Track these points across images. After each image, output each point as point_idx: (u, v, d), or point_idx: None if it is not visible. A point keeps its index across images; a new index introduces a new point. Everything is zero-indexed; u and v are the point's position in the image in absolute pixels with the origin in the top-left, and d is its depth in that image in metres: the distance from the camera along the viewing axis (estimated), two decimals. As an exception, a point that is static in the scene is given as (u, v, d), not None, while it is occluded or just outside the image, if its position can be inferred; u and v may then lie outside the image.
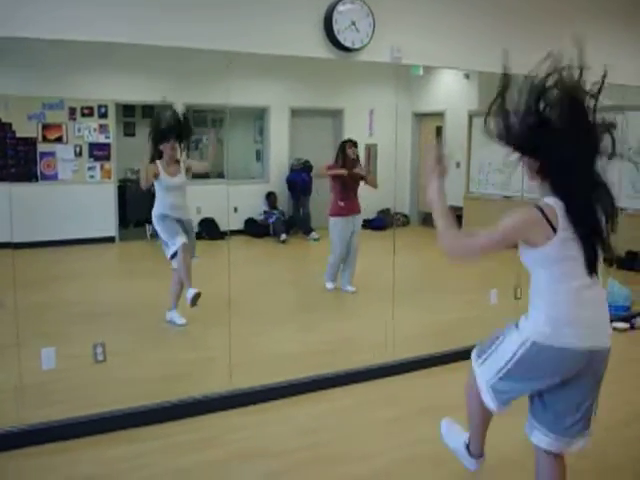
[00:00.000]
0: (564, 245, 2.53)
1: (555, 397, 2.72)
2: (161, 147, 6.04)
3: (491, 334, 2.90)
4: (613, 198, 2.62)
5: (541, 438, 2.79)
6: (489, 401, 2.83)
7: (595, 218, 2.59)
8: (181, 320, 6.11)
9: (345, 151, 7.50)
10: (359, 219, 7.68)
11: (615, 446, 4.05)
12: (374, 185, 7.59)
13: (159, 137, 6.06)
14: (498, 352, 2.78)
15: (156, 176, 6.00)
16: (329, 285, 7.70)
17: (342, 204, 7.50)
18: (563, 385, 2.67)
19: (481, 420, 3.13)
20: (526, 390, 2.78)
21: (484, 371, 2.85)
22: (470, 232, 2.62)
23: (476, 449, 3.25)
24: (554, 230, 2.51)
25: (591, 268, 2.60)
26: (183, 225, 6.14)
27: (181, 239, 6.00)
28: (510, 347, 2.71)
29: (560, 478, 2.89)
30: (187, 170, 6.18)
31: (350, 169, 7.47)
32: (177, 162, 6.14)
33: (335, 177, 7.46)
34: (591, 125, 2.57)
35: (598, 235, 2.61)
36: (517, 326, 2.75)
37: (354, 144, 7.62)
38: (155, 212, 6.13)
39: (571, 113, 2.53)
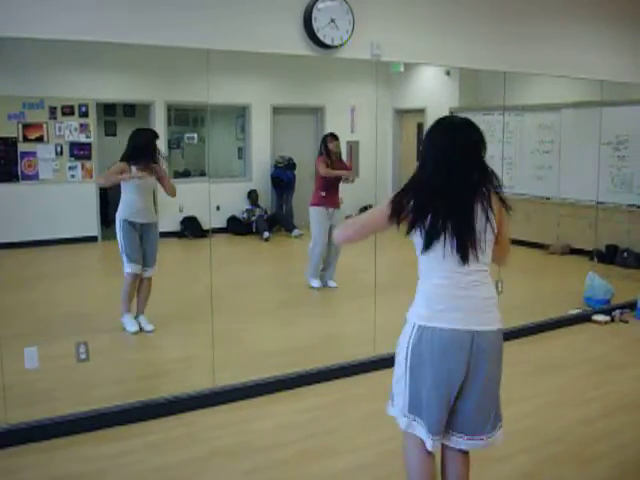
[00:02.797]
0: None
1: (463, 400, 2.68)
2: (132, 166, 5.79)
3: None
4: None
5: (458, 441, 2.76)
6: (414, 428, 2.73)
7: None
8: (134, 327, 5.94)
9: (327, 145, 7.56)
10: (338, 215, 7.69)
11: (595, 437, 4.10)
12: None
13: (132, 156, 5.83)
14: (395, 372, 2.77)
15: (124, 174, 5.77)
16: (314, 283, 7.67)
17: (323, 194, 7.59)
18: (466, 384, 2.65)
19: None
20: (436, 392, 2.64)
21: (397, 404, 2.79)
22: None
23: None
24: None
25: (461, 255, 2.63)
26: (146, 230, 5.98)
27: (133, 267, 5.88)
28: (401, 349, 2.72)
29: (466, 473, 2.86)
30: (158, 172, 5.92)
31: (333, 163, 7.56)
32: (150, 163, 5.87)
33: (321, 170, 7.52)
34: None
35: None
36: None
37: (335, 137, 7.72)
38: (119, 216, 5.96)
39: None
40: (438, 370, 2.62)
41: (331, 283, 7.67)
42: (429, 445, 2.69)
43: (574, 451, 3.92)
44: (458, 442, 2.76)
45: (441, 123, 2.75)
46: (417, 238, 2.67)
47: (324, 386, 4.93)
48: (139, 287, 6.04)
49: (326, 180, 7.55)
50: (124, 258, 5.92)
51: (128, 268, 5.90)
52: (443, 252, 2.61)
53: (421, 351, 2.64)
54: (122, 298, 5.96)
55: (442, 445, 2.81)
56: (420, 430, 2.71)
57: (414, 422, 2.72)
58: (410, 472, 2.83)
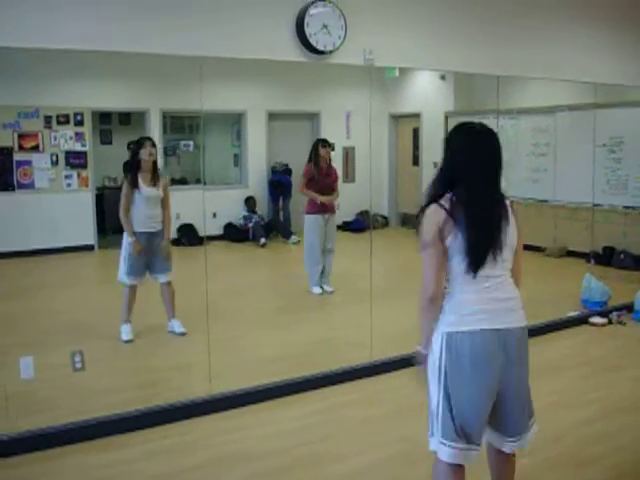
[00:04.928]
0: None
1: (503, 404, 2.71)
2: (140, 155, 5.85)
3: None
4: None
5: (507, 445, 2.81)
6: (455, 457, 2.68)
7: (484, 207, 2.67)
8: (127, 336, 5.95)
9: (318, 151, 7.54)
10: (333, 221, 7.70)
11: (593, 439, 4.10)
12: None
13: (136, 146, 5.94)
14: (430, 397, 2.74)
15: (134, 190, 5.84)
16: (315, 290, 7.66)
17: (318, 201, 7.55)
18: (502, 386, 2.66)
19: None
20: (476, 404, 2.65)
21: (435, 435, 2.73)
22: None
23: None
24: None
25: (478, 260, 2.61)
26: (152, 239, 5.97)
27: (132, 279, 5.94)
28: (433, 367, 2.71)
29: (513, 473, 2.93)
30: (164, 186, 5.99)
31: (320, 170, 7.54)
32: (155, 174, 5.94)
33: (310, 180, 7.48)
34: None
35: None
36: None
37: (327, 144, 7.69)
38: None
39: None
40: (477, 377, 2.61)
41: (327, 288, 7.66)
42: (471, 461, 2.70)
43: (572, 453, 3.91)
44: (507, 445, 2.80)
45: (468, 132, 2.82)
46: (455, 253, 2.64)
47: (321, 392, 4.92)
48: (161, 294, 6.10)
49: (317, 187, 7.52)
50: (124, 269, 5.96)
51: (127, 280, 5.95)
52: (470, 260, 2.61)
53: (454, 358, 2.62)
54: (122, 308, 6.01)
55: (488, 449, 2.88)
56: (463, 457, 2.68)
57: (455, 450, 2.66)
58: None
